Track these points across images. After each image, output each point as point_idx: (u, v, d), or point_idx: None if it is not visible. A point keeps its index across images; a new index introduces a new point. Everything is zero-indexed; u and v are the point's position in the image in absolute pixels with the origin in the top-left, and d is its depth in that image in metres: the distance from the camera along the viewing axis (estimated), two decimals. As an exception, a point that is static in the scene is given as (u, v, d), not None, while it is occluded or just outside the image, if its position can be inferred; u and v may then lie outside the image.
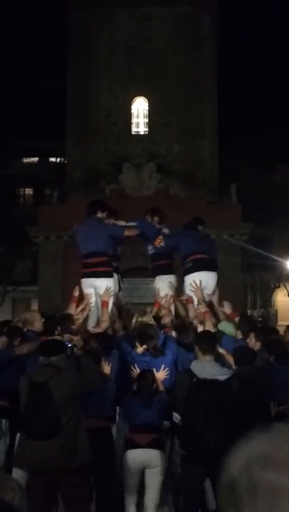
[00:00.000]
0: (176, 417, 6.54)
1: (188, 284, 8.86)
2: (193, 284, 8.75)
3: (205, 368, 6.09)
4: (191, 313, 8.60)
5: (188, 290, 8.88)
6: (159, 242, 9.27)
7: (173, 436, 6.74)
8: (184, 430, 6.06)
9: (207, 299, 8.83)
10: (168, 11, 28.77)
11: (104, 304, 8.24)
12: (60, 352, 5.69)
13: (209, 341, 6.48)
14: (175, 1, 28.57)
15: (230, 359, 6.95)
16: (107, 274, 8.64)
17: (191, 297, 8.78)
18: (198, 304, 8.59)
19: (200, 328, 7.94)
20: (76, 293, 8.53)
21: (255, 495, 1.17)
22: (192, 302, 8.70)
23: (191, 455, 5.95)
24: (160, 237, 9.31)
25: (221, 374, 6.06)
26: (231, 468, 1.25)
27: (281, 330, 10.08)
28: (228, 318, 8.60)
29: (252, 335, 7.78)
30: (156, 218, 9.74)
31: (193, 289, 8.76)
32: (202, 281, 8.80)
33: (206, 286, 8.89)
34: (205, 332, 7.39)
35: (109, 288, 8.47)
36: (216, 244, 10.84)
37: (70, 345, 6.33)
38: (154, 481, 6.34)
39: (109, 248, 8.79)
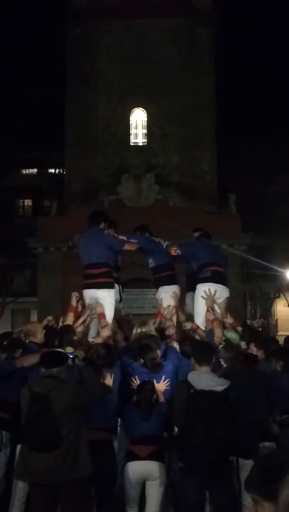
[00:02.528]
0: (174, 428, 6.51)
1: (202, 291, 8.89)
2: (207, 292, 8.80)
3: (202, 378, 6.02)
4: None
5: (200, 297, 8.91)
6: (175, 250, 9.28)
7: (171, 447, 6.70)
8: (181, 442, 6.01)
9: (217, 309, 8.91)
10: (165, 22, 28.83)
11: (101, 315, 8.26)
12: (62, 363, 5.66)
13: (206, 352, 6.42)
14: (172, 12, 28.63)
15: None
16: (108, 285, 8.64)
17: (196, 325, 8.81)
18: (206, 312, 8.65)
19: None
20: (74, 302, 8.53)
21: None
22: (198, 328, 8.75)
23: (189, 467, 5.90)
24: (174, 246, 9.33)
25: (218, 385, 5.98)
26: None
27: (281, 340, 10.09)
28: (232, 327, 8.70)
29: (252, 345, 7.86)
30: (146, 234, 9.78)
31: (205, 297, 8.80)
32: (217, 293, 8.88)
33: (218, 299, 8.97)
34: (201, 342, 7.41)
35: (106, 300, 8.48)
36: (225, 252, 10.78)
37: (71, 356, 6.30)
38: (154, 493, 6.31)
39: (110, 259, 8.79)
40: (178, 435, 6.24)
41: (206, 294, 8.81)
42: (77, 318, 8.37)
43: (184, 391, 6.02)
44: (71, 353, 6.47)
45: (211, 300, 8.78)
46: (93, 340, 7.60)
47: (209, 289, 8.84)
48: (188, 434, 5.79)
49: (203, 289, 8.94)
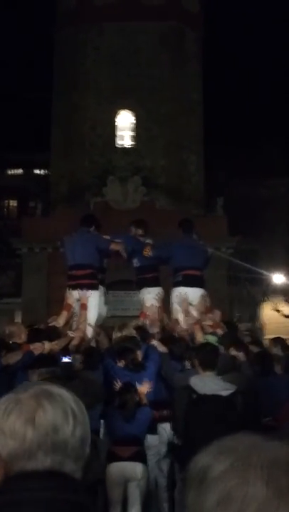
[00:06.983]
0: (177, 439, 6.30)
1: (175, 296, 8.92)
2: (179, 296, 8.80)
3: (206, 383, 5.66)
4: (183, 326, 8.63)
5: (175, 301, 8.94)
6: (147, 252, 9.17)
7: (173, 459, 6.50)
8: (186, 452, 5.50)
9: (193, 312, 8.87)
10: (154, 26, 28.81)
11: (83, 306, 8.21)
12: (57, 363, 5.47)
13: (211, 355, 6.06)
14: (161, 16, 28.62)
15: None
16: (92, 287, 8.60)
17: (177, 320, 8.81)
18: (186, 317, 8.61)
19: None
20: (70, 301, 8.51)
21: (204, 484, 1.17)
22: (179, 324, 8.71)
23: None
24: (148, 246, 9.22)
25: (223, 389, 5.63)
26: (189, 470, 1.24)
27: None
28: (212, 328, 8.60)
29: (232, 348, 7.75)
30: (140, 230, 9.69)
31: (177, 301, 8.82)
32: (188, 295, 8.85)
33: (192, 301, 8.93)
34: (206, 345, 7.06)
35: (90, 302, 8.43)
36: (207, 253, 10.55)
37: (68, 359, 6.17)
38: (136, 494, 6.27)
39: (96, 261, 8.76)
40: (181, 445, 5.92)
41: (178, 298, 8.82)
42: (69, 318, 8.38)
43: (186, 397, 5.68)
44: (69, 356, 6.36)
45: (185, 303, 8.76)
46: (72, 332, 7.49)
47: (180, 293, 8.84)
48: (193, 443, 5.27)
49: (175, 293, 9.01)
